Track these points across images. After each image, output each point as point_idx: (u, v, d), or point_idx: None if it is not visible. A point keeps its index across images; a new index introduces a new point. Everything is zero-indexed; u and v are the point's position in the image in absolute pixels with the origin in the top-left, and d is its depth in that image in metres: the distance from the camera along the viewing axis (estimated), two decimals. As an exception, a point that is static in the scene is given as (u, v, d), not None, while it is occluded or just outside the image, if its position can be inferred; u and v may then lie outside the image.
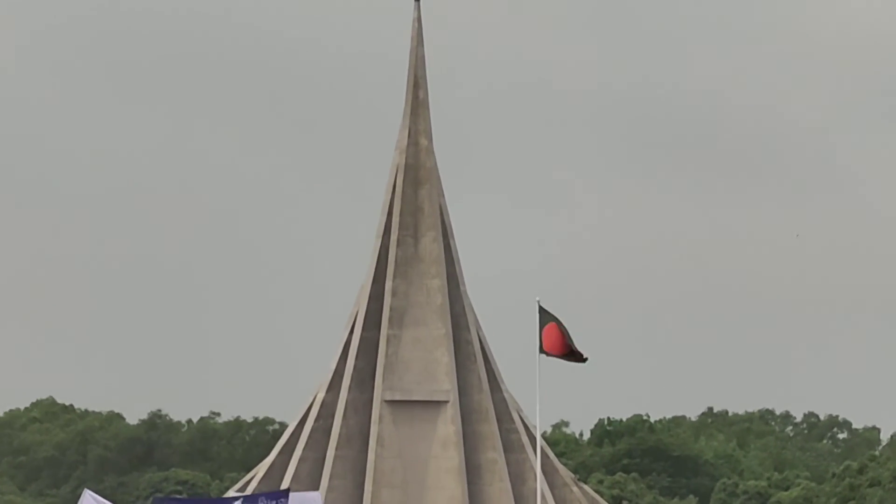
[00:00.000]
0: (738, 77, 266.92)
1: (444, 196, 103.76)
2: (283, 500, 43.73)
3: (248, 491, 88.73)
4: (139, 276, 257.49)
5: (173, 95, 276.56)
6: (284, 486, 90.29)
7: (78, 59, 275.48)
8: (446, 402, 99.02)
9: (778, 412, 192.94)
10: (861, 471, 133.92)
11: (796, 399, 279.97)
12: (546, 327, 69.71)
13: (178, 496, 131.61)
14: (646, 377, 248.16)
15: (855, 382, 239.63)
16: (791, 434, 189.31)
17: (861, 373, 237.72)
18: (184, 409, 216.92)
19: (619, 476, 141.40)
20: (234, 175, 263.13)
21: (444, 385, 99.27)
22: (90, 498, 36.35)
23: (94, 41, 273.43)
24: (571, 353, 69.98)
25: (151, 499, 56.57)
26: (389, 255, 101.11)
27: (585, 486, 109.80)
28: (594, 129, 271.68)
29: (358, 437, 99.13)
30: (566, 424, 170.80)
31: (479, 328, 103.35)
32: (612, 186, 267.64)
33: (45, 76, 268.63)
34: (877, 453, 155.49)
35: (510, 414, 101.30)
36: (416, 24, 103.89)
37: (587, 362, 71.04)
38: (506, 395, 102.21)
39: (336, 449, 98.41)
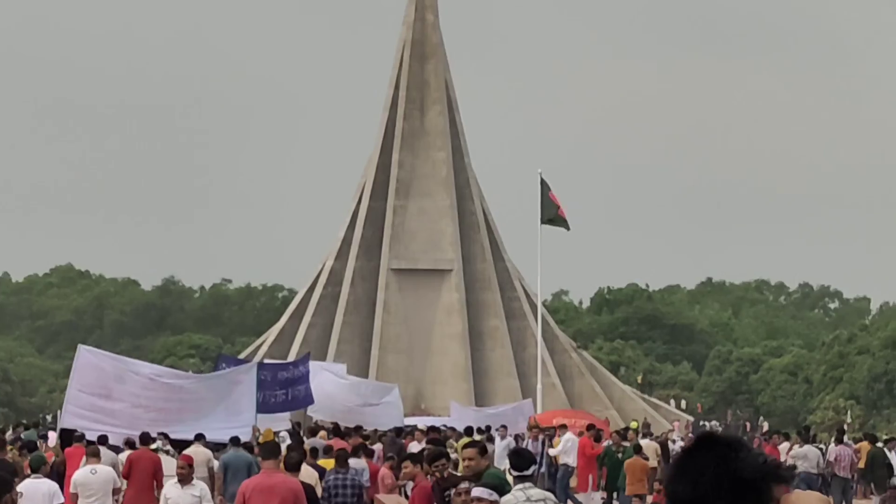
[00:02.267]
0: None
1: (449, 71, 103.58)
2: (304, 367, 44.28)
3: (259, 355, 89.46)
4: (155, 148, 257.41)
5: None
6: (294, 350, 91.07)
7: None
8: (450, 270, 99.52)
9: (772, 282, 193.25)
10: (850, 339, 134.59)
11: (790, 269, 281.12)
12: (550, 194, 70.37)
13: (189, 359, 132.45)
14: (644, 248, 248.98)
15: (847, 254, 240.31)
16: (784, 303, 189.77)
17: (853, 245, 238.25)
18: (197, 276, 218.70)
19: (617, 343, 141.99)
20: (247, 51, 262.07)
21: (449, 254, 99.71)
22: (85, 351, 36.72)
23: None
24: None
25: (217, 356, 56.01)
26: (396, 128, 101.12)
27: (584, 353, 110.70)
28: (599, 10, 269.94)
29: (365, 304, 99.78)
30: (566, 293, 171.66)
31: (482, 199, 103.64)
32: (615, 66, 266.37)
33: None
34: (867, 322, 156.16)
35: (512, 282, 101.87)
36: None
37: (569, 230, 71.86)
38: (508, 264, 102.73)
39: (344, 315, 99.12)
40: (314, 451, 32.79)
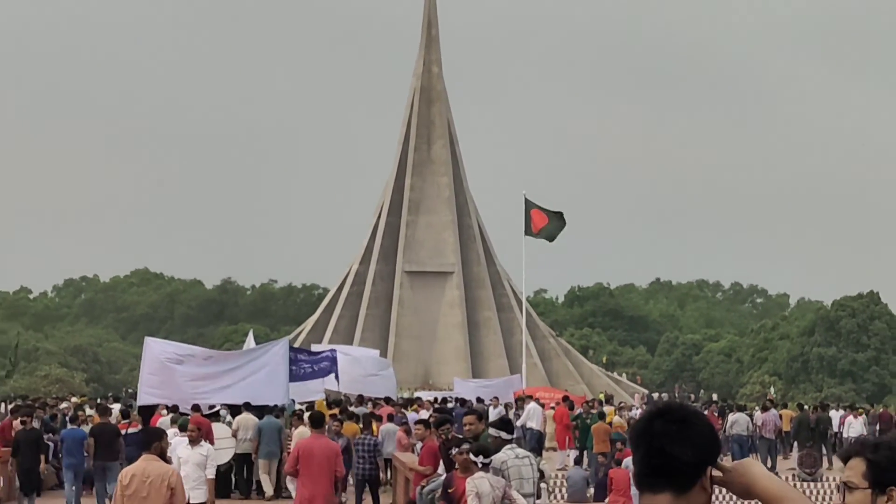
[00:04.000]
0: (698, 21, 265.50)
1: (451, 112, 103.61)
2: (332, 353, 44.15)
3: (298, 343, 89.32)
4: (217, 173, 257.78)
5: (248, 37, 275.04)
6: (327, 336, 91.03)
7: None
8: (452, 272, 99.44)
9: (710, 281, 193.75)
10: (773, 328, 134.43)
11: (725, 271, 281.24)
12: (533, 211, 70.06)
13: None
14: (607, 254, 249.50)
15: (771, 258, 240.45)
16: (720, 299, 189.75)
17: (776, 251, 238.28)
18: (249, 277, 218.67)
19: (586, 330, 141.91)
20: (294, 96, 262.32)
21: (451, 259, 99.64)
22: (151, 343, 36.72)
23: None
24: (551, 226, 70.08)
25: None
26: (408, 158, 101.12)
27: (560, 339, 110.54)
28: (570, 59, 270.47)
29: (383, 300, 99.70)
30: (545, 290, 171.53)
31: (478, 215, 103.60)
32: (585, 108, 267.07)
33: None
34: (786, 314, 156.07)
35: (502, 282, 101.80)
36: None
37: (565, 226, 71.16)
38: (498, 267, 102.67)
39: (367, 308, 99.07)
40: (354, 416, 33.97)
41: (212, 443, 27.32)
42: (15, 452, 25.83)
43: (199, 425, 24.30)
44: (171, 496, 13.69)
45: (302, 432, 28.79)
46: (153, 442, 14.46)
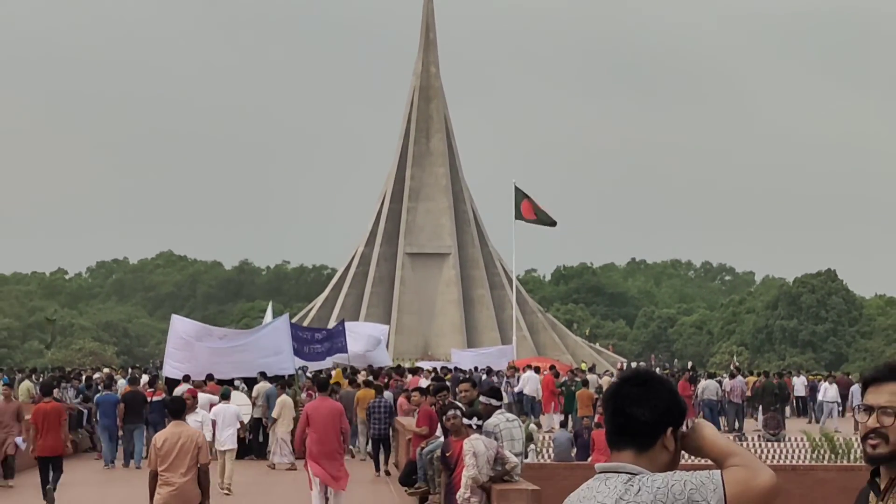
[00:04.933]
0: (673, 27, 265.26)
1: (447, 108, 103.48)
2: (339, 328, 44.54)
3: (309, 318, 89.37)
4: (235, 166, 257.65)
5: (264, 44, 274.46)
6: (336, 312, 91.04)
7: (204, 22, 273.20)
8: (449, 254, 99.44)
9: (683, 261, 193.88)
10: (741, 302, 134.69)
11: (697, 251, 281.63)
12: (523, 201, 69.97)
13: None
14: (590, 236, 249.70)
15: (738, 239, 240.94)
16: (692, 276, 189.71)
17: (742, 232, 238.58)
18: (264, 259, 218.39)
19: (571, 306, 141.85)
20: (303, 97, 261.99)
21: (447, 242, 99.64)
22: (177, 320, 37.10)
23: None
24: (540, 220, 70.07)
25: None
26: (408, 151, 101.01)
27: (547, 314, 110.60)
28: (556, 61, 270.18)
29: (387, 279, 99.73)
30: (534, 270, 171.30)
31: (472, 201, 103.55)
32: (568, 105, 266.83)
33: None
34: (752, 290, 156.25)
35: (494, 262, 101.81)
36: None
37: (555, 226, 71.08)
38: (491, 249, 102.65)
39: (371, 287, 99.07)
40: (368, 383, 34.68)
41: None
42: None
43: (194, 394, 24.91)
44: (198, 453, 14.70)
45: (284, 399, 30.31)
46: (182, 411, 15.79)
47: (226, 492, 24.50)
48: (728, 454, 4.10)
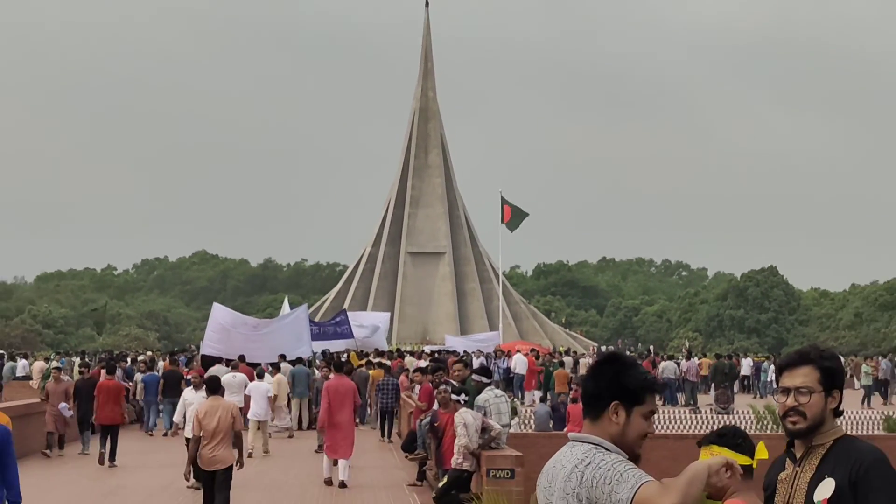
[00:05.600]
0: (641, 52, 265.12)
1: (443, 127, 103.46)
2: (343, 317, 44.98)
3: (324, 308, 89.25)
4: (261, 177, 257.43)
5: (278, 65, 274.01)
6: (347, 303, 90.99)
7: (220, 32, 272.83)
8: (444, 252, 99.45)
9: (646, 258, 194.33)
10: (695, 294, 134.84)
11: (657, 250, 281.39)
12: (505, 206, 69.97)
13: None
14: (566, 237, 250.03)
15: (693, 240, 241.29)
16: (654, 272, 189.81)
17: (697, 233, 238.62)
18: (285, 257, 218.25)
19: (549, 298, 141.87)
20: (321, 118, 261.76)
21: (443, 243, 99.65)
22: (218, 308, 37.19)
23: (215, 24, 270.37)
24: (516, 215, 69.99)
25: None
26: (409, 164, 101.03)
27: (529, 305, 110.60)
28: (538, 84, 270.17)
29: (391, 274, 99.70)
30: (518, 266, 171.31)
31: (464, 208, 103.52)
32: (552, 125, 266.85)
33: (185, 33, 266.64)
34: (705, 284, 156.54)
35: (483, 260, 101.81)
36: (426, 21, 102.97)
37: (528, 215, 71.02)
38: (481, 248, 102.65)
39: (377, 281, 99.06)
40: (380, 364, 34.99)
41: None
42: (76, 398, 25.50)
43: (201, 374, 25.12)
44: (233, 422, 15.19)
45: (279, 377, 30.63)
46: (219, 387, 16.28)
47: (264, 452, 25.21)
48: (678, 478, 4.06)
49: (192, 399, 20.13)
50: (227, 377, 26.34)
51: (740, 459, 5.21)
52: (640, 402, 4.14)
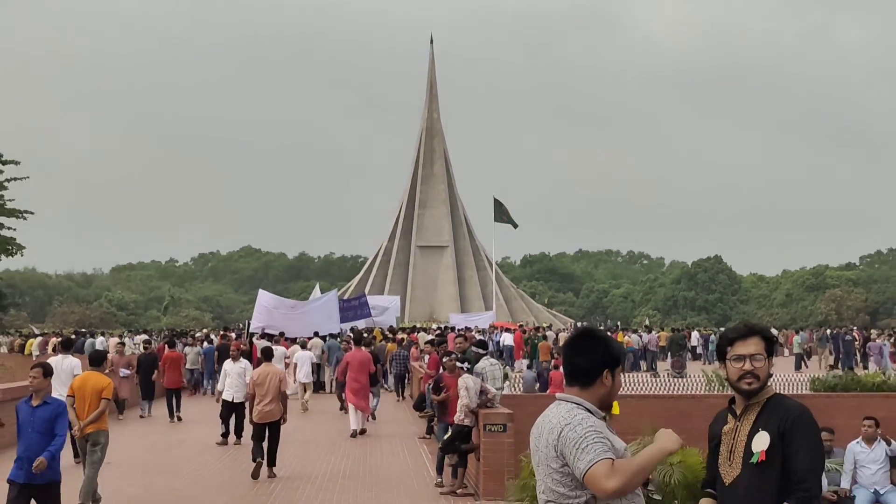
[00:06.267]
0: (607, 71, 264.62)
1: (446, 143, 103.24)
2: (363, 298, 44.85)
3: (348, 293, 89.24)
4: (299, 183, 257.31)
5: (304, 93, 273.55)
6: (367, 288, 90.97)
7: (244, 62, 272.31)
8: (447, 246, 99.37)
9: (614, 250, 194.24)
10: (655, 279, 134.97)
11: (623, 243, 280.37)
12: (498, 206, 69.82)
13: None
14: (549, 232, 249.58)
15: (653, 234, 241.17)
16: (620, 261, 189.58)
17: (655, 229, 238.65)
18: (317, 251, 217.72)
19: (534, 283, 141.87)
20: (346, 137, 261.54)
21: (446, 238, 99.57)
22: (263, 293, 37.21)
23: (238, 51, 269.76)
24: (508, 221, 70.04)
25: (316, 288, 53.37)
26: (418, 173, 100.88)
27: (518, 289, 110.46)
28: (525, 109, 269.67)
29: (404, 264, 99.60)
30: (508, 257, 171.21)
31: (464, 209, 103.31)
32: (536, 141, 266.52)
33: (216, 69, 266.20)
34: (663, 271, 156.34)
35: (479, 252, 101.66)
36: (431, 56, 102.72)
37: (517, 227, 71.04)
38: (477, 242, 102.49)
39: (392, 270, 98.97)
40: (393, 339, 35.80)
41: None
42: (137, 370, 25.29)
43: (238, 347, 25.48)
44: (280, 384, 15.37)
45: (319, 343, 31.01)
46: (271, 356, 16.57)
47: (304, 408, 25.47)
48: (637, 455, 4.08)
49: (229, 369, 19.31)
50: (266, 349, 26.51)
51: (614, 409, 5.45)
52: (614, 366, 4.20)
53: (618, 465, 3.93)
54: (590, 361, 4.19)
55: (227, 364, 19.58)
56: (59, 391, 14.71)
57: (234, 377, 19.16)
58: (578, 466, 3.94)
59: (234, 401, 19.03)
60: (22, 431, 8.98)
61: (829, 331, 55.06)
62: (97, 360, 13.47)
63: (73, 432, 11.96)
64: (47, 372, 9.32)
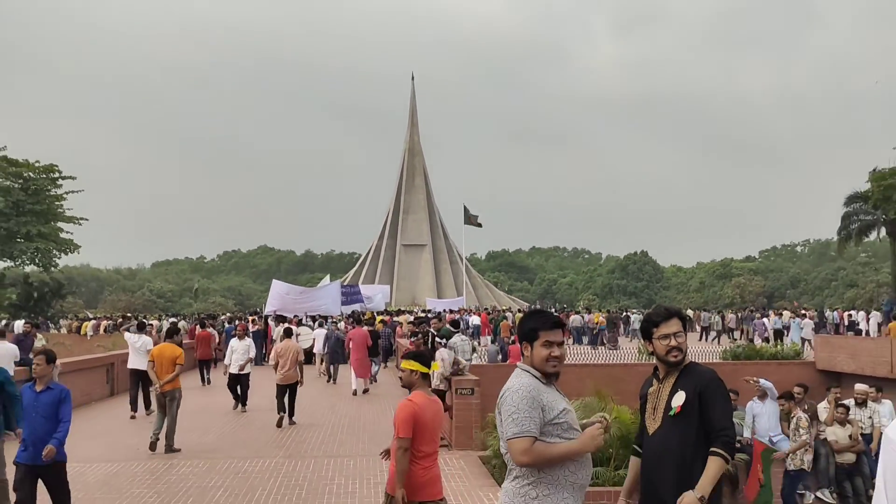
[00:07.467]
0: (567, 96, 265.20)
1: (425, 161, 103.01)
2: (356, 287, 44.56)
3: (346, 282, 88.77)
4: (303, 194, 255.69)
5: (296, 108, 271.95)
6: (361, 279, 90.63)
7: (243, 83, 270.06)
8: (426, 244, 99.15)
9: (561, 247, 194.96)
10: (594, 271, 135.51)
11: (569, 240, 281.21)
12: (466, 212, 69.60)
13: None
14: (508, 232, 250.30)
15: (591, 234, 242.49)
16: (566, 256, 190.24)
17: (595, 231, 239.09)
18: (319, 248, 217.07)
19: (497, 274, 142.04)
20: (342, 156, 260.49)
21: (426, 237, 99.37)
22: (276, 282, 36.92)
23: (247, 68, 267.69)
24: (473, 223, 69.85)
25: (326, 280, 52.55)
26: (402, 186, 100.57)
27: (484, 279, 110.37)
28: (489, 128, 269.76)
29: (391, 260, 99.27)
30: (476, 253, 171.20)
31: (440, 214, 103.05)
32: (505, 153, 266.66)
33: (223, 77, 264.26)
34: (601, 263, 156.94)
35: (453, 249, 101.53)
36: (412, 89, 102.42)
37: (481, 227, 70.78)
38: (452, 240, 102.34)
39: (381, 264, 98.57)
40: (382, 321, 34.43)
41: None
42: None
43: (244, 329, 24.66)
44: (297, 356, 15.49)
45: (317, 332, 29.34)
46: (291, 334, 16.78)
47: (323, 375, 24.83)
48: (556, 445, 3.88)
49: (235, 346, 18.47)
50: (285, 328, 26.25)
51: (421, 369, 5.52)
52: (535, 338, 4.09)
53: (535, 447, 3.80)
54: (518, 333, 4.24)
55: (234, 342, 18.93)
56: (136, 363, 17.21)
57: (239, 353, 18.35)
58: (504, 433, 3.89)
59: (240, 373, 18.25)
60: (26, 415, 7.89)
61: (740, 313, 55.34)
62: (173, 333, 14.36)
63: (154, 389, 12.92)
64: (50, 359, 8.18)
